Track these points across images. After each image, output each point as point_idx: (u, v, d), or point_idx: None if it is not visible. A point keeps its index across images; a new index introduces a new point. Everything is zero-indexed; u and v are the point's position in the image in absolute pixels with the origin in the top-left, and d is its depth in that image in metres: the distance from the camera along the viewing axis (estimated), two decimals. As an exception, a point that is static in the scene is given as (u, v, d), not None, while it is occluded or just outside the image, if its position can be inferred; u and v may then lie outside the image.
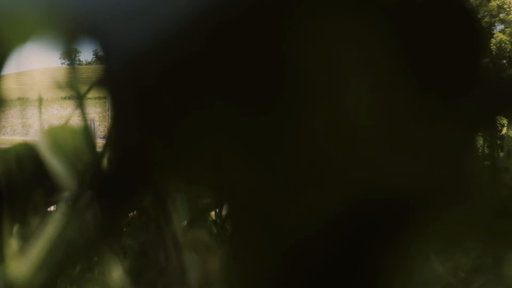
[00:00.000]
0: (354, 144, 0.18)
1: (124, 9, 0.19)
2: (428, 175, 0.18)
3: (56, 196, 0.28)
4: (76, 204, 0.23)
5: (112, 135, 0.21)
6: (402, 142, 0.18)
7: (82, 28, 0.19)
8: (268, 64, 0.17)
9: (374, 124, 0.17)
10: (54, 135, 0.30)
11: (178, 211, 0.25)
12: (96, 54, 0.19)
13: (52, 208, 0.29)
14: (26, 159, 0.30)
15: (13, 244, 0.26)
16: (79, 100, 0.25)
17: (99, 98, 0.22)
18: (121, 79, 0.18)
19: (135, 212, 0.29)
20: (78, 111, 0.25)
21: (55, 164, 0.28)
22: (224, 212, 0.37)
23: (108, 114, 0.21)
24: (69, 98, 0.23)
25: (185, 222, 0.28)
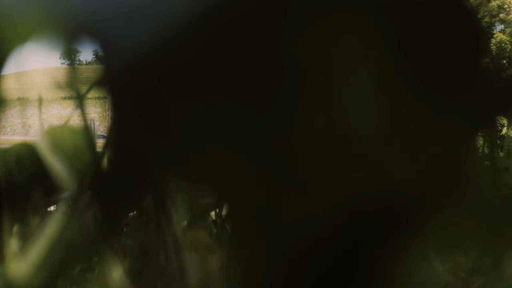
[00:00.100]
0: (354, 144, 0.18)
1: (124, 9, 0.19)
2: (428, 175, 0.18)
3: (56, 196, 0.28)
4: (76, 204, 0.23)
5: (112, 135, 0.21)
6: (402, 142, 0.18)
7: (82, 28, 0.19)
8: (268, 63, 0.17)
9: (374, 124, 0.17)
10: (54, 135, 0.30)
11: (178, 211, 0.25)
12: (96, 54, 0.19)
13: (52, 208, 0.29)
14: (26, 159, 0.30)
15: (13, 244, 0.26)
16: (79, 100, 0.25)
17: (99, 98, 0.22)
18: (121, 79, 0.18)
19: (135, 212, 0.29)
20: (78, 111, 0.25)
21: (55, 164, 0.28)
22: (224, 212, 0.37)
23: (108, 114, 0.21)
24: (69, 98, 0.23)
25: (185, 222, 0.28)
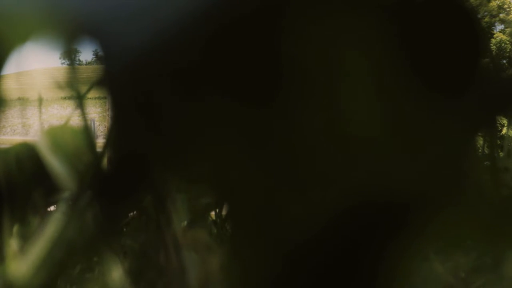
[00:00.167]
0: (354, 144, 0.18)
1: (124, 9, 0.19)
2: (428, 175, 0.18)
3: (56, 196, 0.28)
4: (76, 204, 0.23)
5: (112, 135, 0.21)
6: (402, 142, 0.18)
7: (82, 28, 0.19)
8: (269, 64, 0.17)
9: (374, 124, 0.17)
10: (54, 135, 0.30)
11: (178, 211, 0.25)
12: (96, 54, 0.19)
13: (52, 208, 0.29)
14: (26, 159, 0.30)
15: (13, 244, 0.26)
16: (79, 100, 0.25)
17: (99, 98, 0.22)
18: (121, 79, 0.18)
19: (135, 212, 0.29)
20: (78, 111, 0.25)
21: (55, 164, 0.28)
22: (224, 212, 0.37)
23: (108, 114, 0.21)
24: (69, 98, 0.23)
25: (185, 222, 0.28)
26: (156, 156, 0.19)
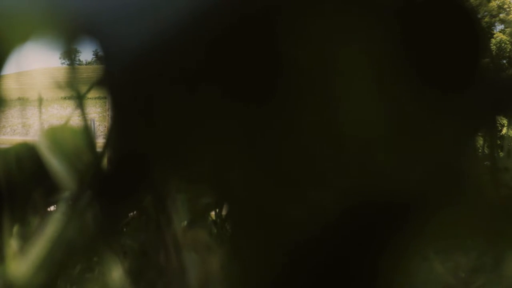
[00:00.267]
0: (354, 144, 0.18)
1: (124, 9, 0.19)
2: (428, 175, 0.18)
3: (56, 196, 0.28)
4: (76, 204, 0.23)
5: (112, 135, 0.21)
6: (402, 142, 0.18)
7: (83, 28, 0.19)
8: (269, 64, 0.17)
9: (374, 124, 0.17)
10: (54, 135, 0.30)
11: (178, 211, 0.25)
12: (96, 54, 0.19)
13: (52, 208, 0.29)
14: (26, 159, 0.30)
15: (13, 244, 0.26)
16: (79, 100, 0.25)
17: (99, 98, 0.22)
18: (121, 79, 0.18)
19: (135, 212, 0.29)
20: (78, 111, 0.25)
21: (55, 164, 0.28)
22: (224, 212, 0.37)
23: (108, 114, 0.21)
24: (69, 98, 0.23)
25: (185, 222, 0.28)
26: (156, 156, 0.19)
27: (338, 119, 0.17)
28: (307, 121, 0.18)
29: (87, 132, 0.26)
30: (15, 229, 0.28)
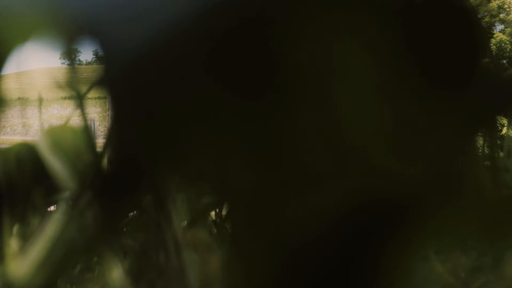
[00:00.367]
0: (354, 144, 0.18)
1: (124, 9, 0.19)
2: (428, 175, 0.18)
3: (56, 196, 0.28)
4: (76, 204, 0.23)
5: (112, 135, 0.21)
6: (402, 142, 0.18)
7: (83, 28, 0.19)
8: (270, 64, 0.17)
9: (373, 125, 0.17)
10: (54, 135, 0.30)
11: (178, 211, 0.25)
12: (96, 54, 0.19)
13: (52, 208, 0.29)
14: (26, 159, 0.30)
15: (13, 244, 0.26)
16: (79, 100, 0.25)
17: (99, 98, 0.22)
18: (121, 79, 0.18)
19: (135, 212, 0.29)
20: (78, 111, 0.25)
21: (55, 164, 0.28)
22: (224, 212, 0.37)
23: (108, 114, 0.21)
24: (69, 98, 0.23)
25: (185, 222, 0.28)
26: (156, 156, 0.19)
27: (338, 119, 0.17)
28: (308, 121, 0.18)
29: (87, 132, 0.26)
30: (15, 229, 0.28)
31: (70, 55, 0.21)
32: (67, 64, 0.23)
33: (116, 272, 0.27)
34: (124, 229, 0.30)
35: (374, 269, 0.18)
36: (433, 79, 0.18)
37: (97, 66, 0.19)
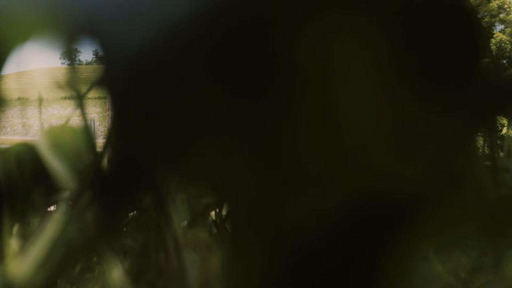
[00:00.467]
0: (354, 144, 0.18)
1: (124, 9, 0.19)
2: (428, 175, 0.18)
3: (56, 196, 0.28)
4: (76, 204, 0.23)
5: (112, 135, 0.21)
6: (402, 141, 0.18)
7: (83, 28, 0.19)
8: (270, 64, 0.17)
9: (373, 125, 0.17)
10: (54, 135, 0.30)
11: (178, 211, 0.25)
12: (96, 54, 0.19)
13: (52, 208, 0.29)
14: (26, 159, 0.30)
15: (13, 244, 0.26)
16: (79, 100, 0.25)
17: (99, 98, 0.22)
18: (121, 79, 0.18)
19: (135, 212, 0.29)
20: (78, 111, 0.25)
21: (55, 164, 0.28)
22: (224, 212, 0.37)
23: (108, 114, 0.21)
24: (69, 98, 0.24)
25: (185, 222, 0.28)
26: (156, 156, 0.19)
27: (338, 119, 0.17)
28: (308, 121, 0.18)
29: (87, 132, 0.26)
30: (15, 229, 0.28)
31: (70, 55, 0.21)
32: (67, 64, 0.23)
33: (116, 272, 0.27)
34: (124, 229, 0.30)
35: (374, 269, 0.18)
36: (433, 79, 0.18)
37: (97, 66, 0.19)
